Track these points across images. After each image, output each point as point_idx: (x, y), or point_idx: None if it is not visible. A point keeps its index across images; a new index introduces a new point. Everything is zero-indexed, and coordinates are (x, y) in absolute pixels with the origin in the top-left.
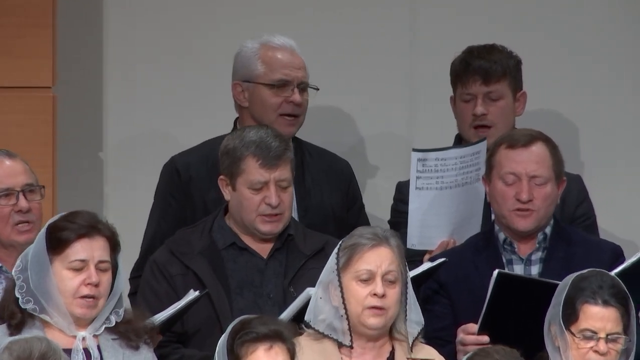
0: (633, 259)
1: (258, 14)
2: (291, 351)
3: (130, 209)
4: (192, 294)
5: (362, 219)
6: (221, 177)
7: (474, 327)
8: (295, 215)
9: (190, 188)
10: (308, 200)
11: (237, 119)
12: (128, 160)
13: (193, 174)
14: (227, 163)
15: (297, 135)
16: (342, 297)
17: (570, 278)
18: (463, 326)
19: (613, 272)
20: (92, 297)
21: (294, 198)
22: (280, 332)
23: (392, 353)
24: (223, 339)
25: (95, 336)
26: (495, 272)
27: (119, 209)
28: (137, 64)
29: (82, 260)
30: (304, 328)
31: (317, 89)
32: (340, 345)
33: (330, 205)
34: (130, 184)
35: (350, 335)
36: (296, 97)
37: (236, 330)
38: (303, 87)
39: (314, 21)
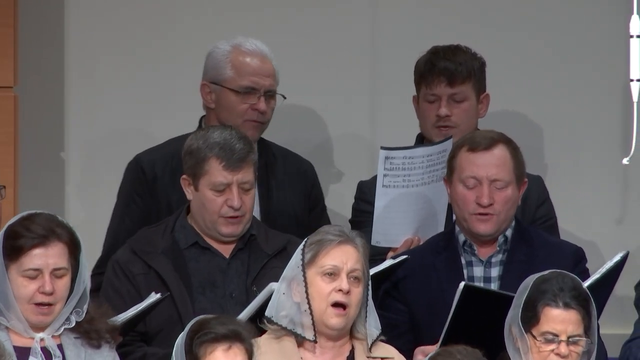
0: (602, 270)
1: (218, 13)
2: (249, 351)
3: (91, 209)
4: (154, 297)
5: (324, 221)
6: (184, 176)
7: (433, 349)
8: (257, 216)
9: (155, 187)
10: (270, 202)
11: (202, 117)
12: (89, 160)
13: (158, 173)
14: (190, 163)
15: (262, 135)
16: (306, 292)
17: (531, 280)
18: (422, 347)
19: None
20: (48, 304)
21: (257, 199)
22: (238, 333)
23: (352, 352)
24: (181, 339)
25: (55, 336)
26: (462, 284)
27: (81, 209)
28: (98, 64)
29: (36, 269)
30: (266, 324)
31: (285, 98)
32: (299, 344)
33: (293, 207)
34: (92, 183)
35: (314, 329)
36: (261, 105)
37: (194, 330)
38: (270, 94)
39: (275, 20)
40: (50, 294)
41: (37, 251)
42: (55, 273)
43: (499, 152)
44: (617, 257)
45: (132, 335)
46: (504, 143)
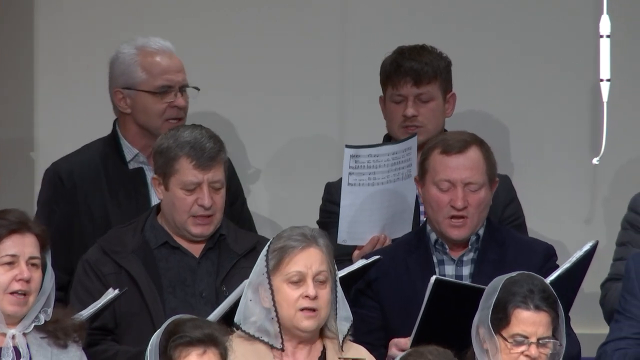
0: (572, 259)
1: (188, 14)
2: (223, 355)
3: None
4: (112, 293)
5: (244, 214)
6: (154, 176)
7: (407, 342)
8: None
9: (75, 195)
10: None
11: (116, 120)
12: None
13: (77, 181)
14: (161, 163)
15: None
16: (273, 299)
17: (500, 281)
18: (395, 340)
19: (548, 280)
20: (24, 293)
21: None
22: (213, 337)
23: (324, 352)
24: (155, 339)
25: (24, 335)
26: (433, 278)
27: None
28: (68, 64)
29: (13, 255)
30: (234, 329)
31: (198, 89)
32: (272, 346)
33: None
34: None
35: (281, 337)
36: (180, 101)
37: (170, 332)
38: (184, 89)
39: (245, 20)
40: (27, 281)
41: (13, 237)
42: (31, 262)
43: (473, 155)
44: (587, 247)
45: (103, 333)
46: (477, 145)
